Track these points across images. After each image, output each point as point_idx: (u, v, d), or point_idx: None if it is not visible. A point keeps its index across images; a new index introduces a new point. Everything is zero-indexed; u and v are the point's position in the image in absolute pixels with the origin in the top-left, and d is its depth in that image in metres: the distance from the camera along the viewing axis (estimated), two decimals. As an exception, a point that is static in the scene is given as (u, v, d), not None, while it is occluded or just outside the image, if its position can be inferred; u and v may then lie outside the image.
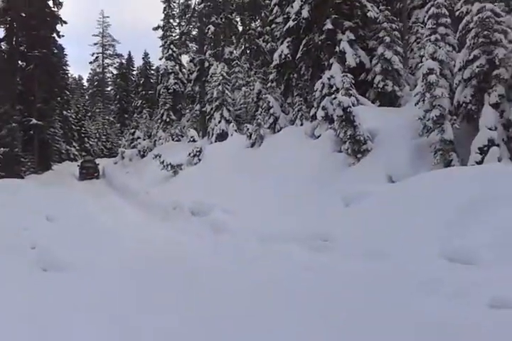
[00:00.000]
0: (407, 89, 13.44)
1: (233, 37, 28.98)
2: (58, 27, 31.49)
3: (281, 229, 8.78)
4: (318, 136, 13.69)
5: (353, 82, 12.39)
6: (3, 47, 31.18)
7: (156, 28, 34.80)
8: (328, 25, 14.11)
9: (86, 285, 5.61)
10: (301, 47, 15.64)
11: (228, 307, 4.76)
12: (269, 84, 18.53)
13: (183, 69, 33.72)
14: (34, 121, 29.03)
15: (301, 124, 15.67)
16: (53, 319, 4.30)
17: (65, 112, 39.60)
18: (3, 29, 30.51)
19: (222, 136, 20.70)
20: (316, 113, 14.03)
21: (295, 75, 16.84)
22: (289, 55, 16.36)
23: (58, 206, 12.53)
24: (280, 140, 15.32)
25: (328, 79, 13.68)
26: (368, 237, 7.09)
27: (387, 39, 13.37)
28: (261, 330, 4.10)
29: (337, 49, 14.02)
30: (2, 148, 20.15)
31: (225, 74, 22.10)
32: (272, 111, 16.95)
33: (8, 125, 24.04)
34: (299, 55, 15.80)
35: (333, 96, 12.54)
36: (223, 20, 26.76)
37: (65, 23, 31.74)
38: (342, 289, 5.21)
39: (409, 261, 5.80)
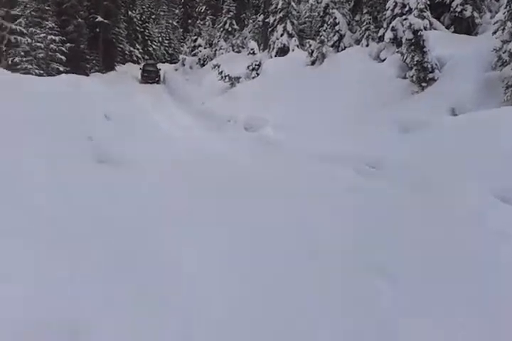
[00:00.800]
0: (487, 16, 12.22)
1: None
2: None
3: (332, 150, 8.83)
4: (384, 60, 13.05)
5: (429, 3, 11.40)
6: None
7: None
8: None
9: (138, 179, 6.08)
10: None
11: (271, 214, 5.11)
12: (337, -1, 17.37)
13: (252, -25, 31.96)
14: (100, 18, 29.15)
15: (367, 45, 14.90)
16: (109, 209, 4.79)
17: (130, 12, 39.32)
18: None
19: (283, 51, 20.09)
20: (384, 34, 13.22)
21: (368, -10, 15.63)
22: (365, -33, 15.07)
23: (118, 105, 13.05)
24: (343, 60, 14.72)
25: (403, -3, 12.62)
26: (419, 167, 6.93)
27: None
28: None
29: (416, -36, 12.70)
30: (68, 44, 20.60)
31: (293, -17, 20.81)
32: (337, 28, 16.10)
33: (74, 20, 24.32)
34: (374, -33, 14.51)
35: (404, 17, 11.67)
36: None
37: None
38: (379, 211, 5.34)
39: (459, 195, 5.73)
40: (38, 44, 18.14)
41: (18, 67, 17.03)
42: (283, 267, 3.81)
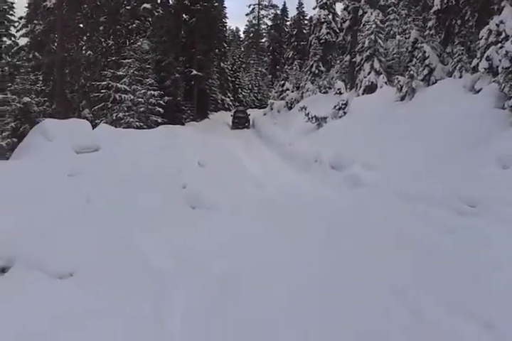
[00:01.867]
0: None
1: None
2: (218, -20, 32.65)
3: (424, 188, 8.40)
4: (479, 90, 12.32)
5: (527, 27, 10.72)
6: (170, 2, 33.71)
7: (311, -25, 33.87)
8: (503, -38, 12.19)
9: (226, 222, 6.20)
10: (468, -11, 13.88)
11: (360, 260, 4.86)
12: (426, 32, 16.97)
13: (336, 18, 32.61)
14: (194, 72, 31.36)
15: (460, 76, 14.22)
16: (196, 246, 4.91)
17: (222, 64, 41.84)
18: (170, -15, 32.83)
19: (371, 89, 19.86)
20: (478, 64, 12.55)
21: (458, 22, 15.10)
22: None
23: (210, 152, 13.66)
24: (434, 93, 14.16)
25: (497, 25, 11.98)
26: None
27: None
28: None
29: (512, -11, 12.12)
30: (166, 97, 22.28)
31: (378, 22, 20.78)
32: (427, 61, 15.63)
33: (172, 76, 26.35)
34: (464, -2, 14.08)
35: (499, 45, 11.04)
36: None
37: (225, -25, 32.72)
38: (487, 254, 4.87)
39: None
40: (139, 99, 19.84)
41: (122, 121, 18.68)
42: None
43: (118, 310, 3.30)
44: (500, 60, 10.18)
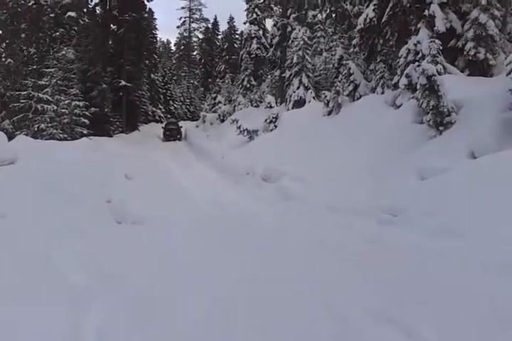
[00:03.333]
0: (502, 57, 12.24)
1: (318, 0, 27.98)
2: (148, -9, 32.33)
3: (350, 200, 8.68)
4: (400, 106, 13.04)
5: (441, 48, 11.51)
6: (97, 11, 32.83)
7: (241, -9, 34.48)
8: (418, -13, 13.13)
9: (155, 237, 5.98)
10: (387, 10, 14.73)
11: (281, 269, 4.84)
12: (351, 50, 17.80)
13: (267, 34, 33.38)
14: (123, 82, 30.58)
15: (382, 92, 15.00)
16: (121, 266, 4.67)
17: (152, 75, 41.21)
18: (98, -6, 32.05)
19: (300, 103, 20.42)
20: (398, 81, 13.31)
21: (380, 41, 15.99)
22: (374, 19, 15.52)
23: (139, 164, 13.26)
24: (359, 108, 14.81)
25: (415, 44, 12.83)
26: (441, 214, 6.75)
27: (484, 1, 12.15)
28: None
29: (426, 13, 13.02)
30: (93, 108, 21.50)
31: (306, 38, 21.53)
32: (352, 78, 16.37)
33: (99, 86, 25.52)
34: (384, 18, 14.92)
35: (417, 63, 11.78)
36: (309, -19, 25.84)
37: (155, -14, 32.51)
38: (404, 264, 5.06)
39: (484, 242, 5.47)
40: (63, 110, 18.96)
41: (44, 133, 17.72)
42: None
43: (34, 324, 3.07)
44: (418, 78, 10.80)
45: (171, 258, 5.16)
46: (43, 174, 6.79)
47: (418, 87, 10.70)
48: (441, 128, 10.24)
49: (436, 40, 11.48)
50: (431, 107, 10.24)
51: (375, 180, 9.69)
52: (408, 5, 13.82)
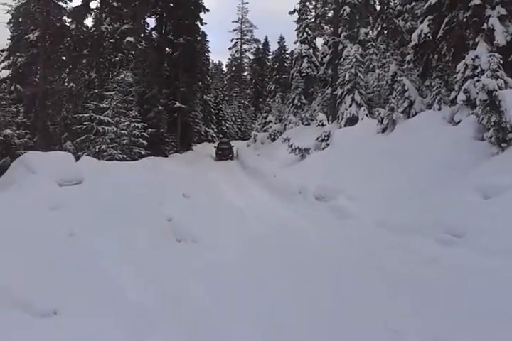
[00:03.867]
0: None
1: (370, 17, 27.94)
2: (201, 15, 33.54)
3: (406, 218, 8.44)
4: (458, 122, 12.62)
5: (502, 62, 11.11)
6: (153, 35, 34.38)
7: (292, 12, 35.06)
8: (476, 0, 12.80)
9: (212, 256, 6.09)
10: (442, 25, 14.44)
11: (336, 296, 4.76)
12: (405, 66, 17.52)
13: (317, 53, 33.61)
14: (178, 104, 31.63)
15: (439, 109, 14.59)
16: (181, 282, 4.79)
17: (205, 96, 42.36)
18: (154, 19, 33.61)
19: (352, 121, 20.23)
20: (456, 97, 12.92)
21: (435, 56, 15.65)
22: (429, 35, 15.24)
23: (195, 183, 13.58)
24: (414, 125, 14.47)
25: (473, 59, 12.47)
26: (507, 234, 6.45)
27: (547, 12, 11.68)
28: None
29: (484, 26, 12.65)
30: (150, 129, 22.31)
31: (358, 56, 21.44)
32: (407, 94, 16.06)
33: (155, 108, 26.51)
34: (440, 34, 14.62)
35: (476, 78, 11.42)
36: (360, 0, 25.85)
37: (208, 10, 33.72)
38: (472, 287, 4.84)
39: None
40: (123, 131, 19.81)
41: (105, 153, 18.55)
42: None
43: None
44: (477, 93, 10.47)
45: (226, 277, 5.23)
46: (107, 194, 7.11)
47: (478, 102, 10.37)
48: (503, 145, 9.82)
49: (496, 54, 11.12)
50: (492, 123, 9.87)
51: (432, 198, 9.38)
52: (465, 19, 13.50)
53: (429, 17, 15.27)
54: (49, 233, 4.78)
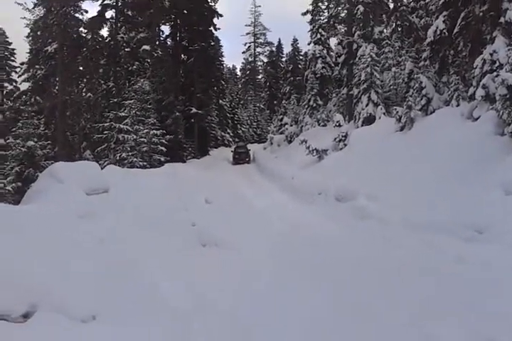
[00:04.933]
0: None
1: (383, 15, 27.80)
2: (214, 20, 33.79)
3: (429, 216, 8.38)
4: (477, 118, 12.48)
5: (520, 56, 10.98)
6: (168, 43, 34.78)
7: (304, 13, 35.14)
8: (492, -6, 12.70)
9: (237, 260, 6.18)
10: (459, 21, 14.34)
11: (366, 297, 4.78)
12: (421, 63, 17.42)
13: (331, 53, 33.51)
14: (194, 110, 31.94)
15: (458, 105, 14.47)
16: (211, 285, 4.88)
17: (220, 101, 42.61)
18: (168, 26, 33.98)
19: (369, 120, 20.15)
20: (474, 92, 12.78)
21: (451, 52, 15.53)
22: (444, 31, 15.15)
23: (215, 188, 13.70)
24: (433, 122, 14.36)
25: (491, 54, 12.33)
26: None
27: None
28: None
29: (502, 20, 12.52)
30: (168, 136, 22.60)
31: (373, 55, 21.36)
32: (424, 91, 15.96)
33: (172, 114, 26.82)
34: (456, 29, 14.52)
35: (495, 73, 11.29)
36: (373, -1, 25.80)
37: (221, 16, 33.95)
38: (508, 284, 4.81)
39: None
40: (142, 139, 20.10)
41: (125, 161, 18.85)
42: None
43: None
44: (496, 88, 10.37)
45: (252, 282, 5.30)
46: (133, 201, 7.28)
47: (497, 97, 10.27)
48: (526, 139, 9.71)
49: (515, 48, 10.99)
50: (513, 118, 9.76)
51: (454, 195, 9.28)
52: (481, 14, 13.38)
53: (445, 13, 15.19)
54: (80, 241, 4.93)
